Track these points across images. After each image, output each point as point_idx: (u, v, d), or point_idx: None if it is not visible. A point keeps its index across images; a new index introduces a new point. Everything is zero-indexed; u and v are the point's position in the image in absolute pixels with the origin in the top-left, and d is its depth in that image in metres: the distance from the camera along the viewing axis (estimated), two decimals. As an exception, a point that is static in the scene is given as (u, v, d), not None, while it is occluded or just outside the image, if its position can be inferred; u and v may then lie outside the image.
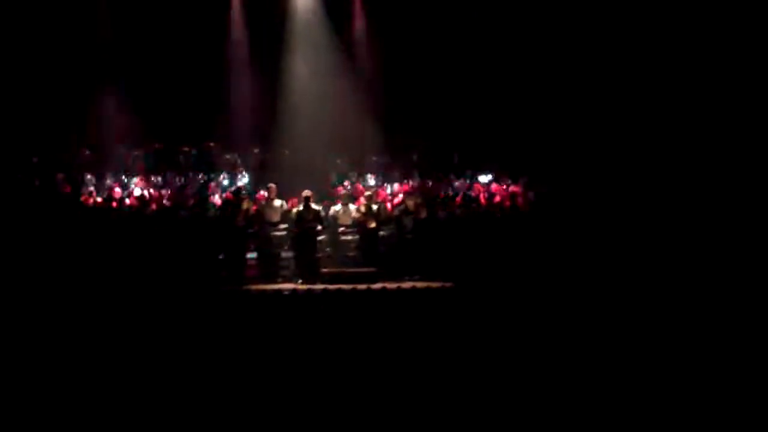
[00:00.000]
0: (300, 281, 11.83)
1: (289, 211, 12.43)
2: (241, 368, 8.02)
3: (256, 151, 15.05)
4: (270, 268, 12.12)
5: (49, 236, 10.98)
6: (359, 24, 16.52)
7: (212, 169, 14.47)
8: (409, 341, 8.84)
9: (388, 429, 6.59)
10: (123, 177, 13.90)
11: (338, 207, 12.72)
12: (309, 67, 16.03)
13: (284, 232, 12.28)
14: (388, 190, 14.31)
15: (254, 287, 11.00)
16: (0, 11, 14.16)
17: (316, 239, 12.26)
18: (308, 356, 8.35)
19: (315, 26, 16.14)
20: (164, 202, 12.53)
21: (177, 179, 14.00)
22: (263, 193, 12.93)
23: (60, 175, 12.65)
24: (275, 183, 12.84)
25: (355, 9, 16.37)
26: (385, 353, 8.50)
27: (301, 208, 12.23)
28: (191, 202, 12.44)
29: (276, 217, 12.21)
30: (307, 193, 12.47)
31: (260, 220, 12.18)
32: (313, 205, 12.30)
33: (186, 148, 14.83)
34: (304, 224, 12.10)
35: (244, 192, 13.21)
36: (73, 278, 10.52)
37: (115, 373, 7.70)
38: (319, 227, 12.33)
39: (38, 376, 7.50)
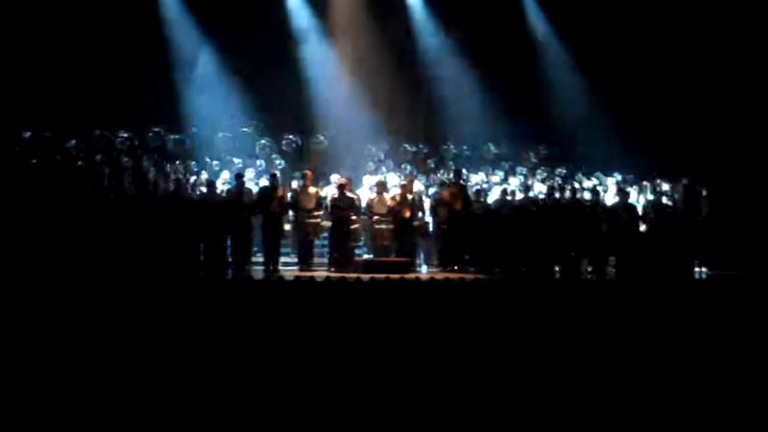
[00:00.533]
0: (333, 269, 11.82)
1: (324, 197, 12.43)
2: (272, 354, 8.05)
3: (292, 137, 15.02)
4: (304, 255, 12.14)
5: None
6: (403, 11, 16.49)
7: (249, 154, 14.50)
8: (442, 332, 8.80)
9: (420, 418, 6.58)
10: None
11: (373, 195, 12.65)
12: (349, 53, 16.03)
13: (319, 220, 12.24)
14: (423, 180, 14.23)
15: (288, 274, 11.02)
16: None
17: (350, 227, 12.21)
18: (340, 344, 8.35)
19: (357, 11, 16.11)
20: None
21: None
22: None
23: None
24: (311, 170, 12.84)
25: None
26: (418, 344, 8.47)
27: (336, 195, 12.19)
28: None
29: (311, 204, 12.15)
30: (342, 180, 12.43)
31: (295, 207, 12.16)
32: (348, 193, 12.25)
33: (221, 134, 14.86)
34: (339, 212, 12.07)
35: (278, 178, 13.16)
36: (110, 262, 10.67)
37: (141, 356, 7.78)
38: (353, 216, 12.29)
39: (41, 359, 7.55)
